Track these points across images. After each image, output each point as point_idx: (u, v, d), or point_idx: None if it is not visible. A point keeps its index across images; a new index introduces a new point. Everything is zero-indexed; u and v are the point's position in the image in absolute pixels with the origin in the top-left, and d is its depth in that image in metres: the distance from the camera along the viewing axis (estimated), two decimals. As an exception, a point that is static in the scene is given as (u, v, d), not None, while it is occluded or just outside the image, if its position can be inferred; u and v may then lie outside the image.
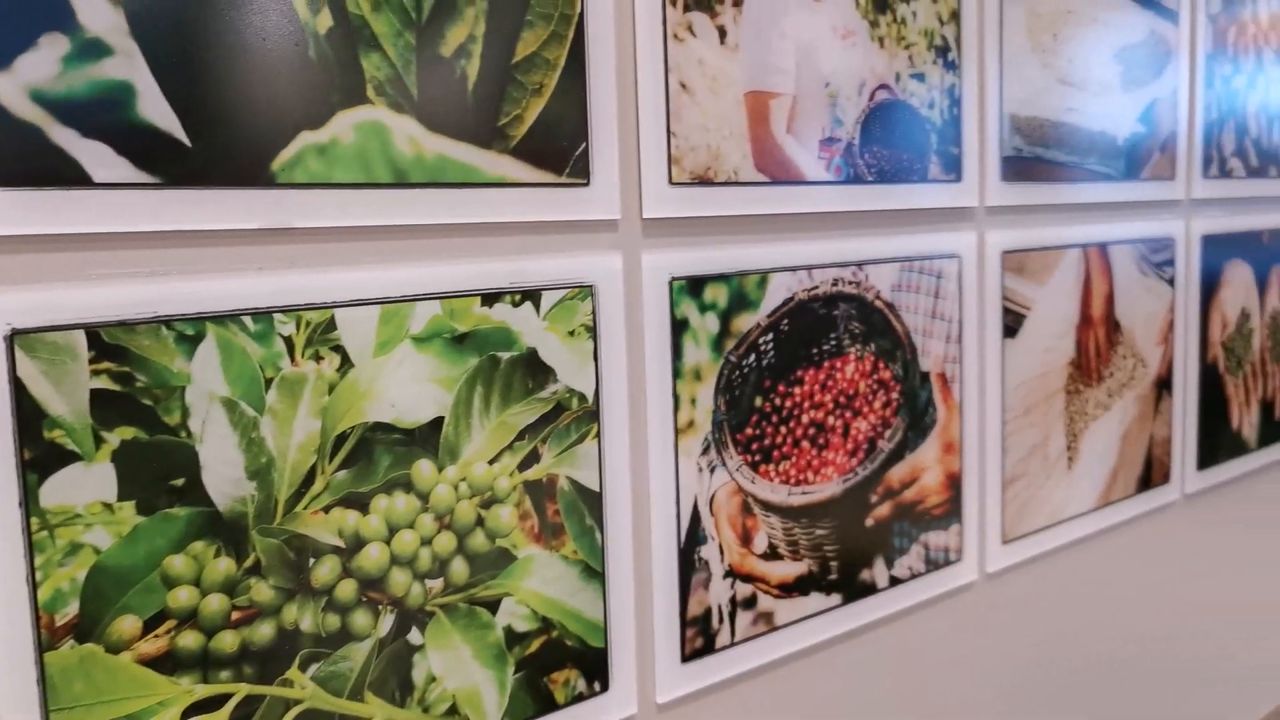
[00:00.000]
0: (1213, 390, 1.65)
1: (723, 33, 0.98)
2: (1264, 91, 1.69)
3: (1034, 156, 1.31)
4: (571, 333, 0.90)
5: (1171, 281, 1.55)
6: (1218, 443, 1.68)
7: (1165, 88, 1.50)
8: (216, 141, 0.71)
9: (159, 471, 0.70)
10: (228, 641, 0.73)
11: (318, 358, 0.76)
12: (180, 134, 0.69)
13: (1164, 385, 1.56)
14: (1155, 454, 1.56)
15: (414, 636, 0.82)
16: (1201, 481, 1.65)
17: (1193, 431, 1.62)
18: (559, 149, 0.88)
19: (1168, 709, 1.64)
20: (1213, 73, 1.58)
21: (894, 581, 1.19)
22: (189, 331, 0.71)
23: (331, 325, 0.77)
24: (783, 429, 1.06)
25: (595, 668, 0.94)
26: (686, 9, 0.96)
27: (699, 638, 1.02)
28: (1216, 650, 1.74)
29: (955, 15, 1.19)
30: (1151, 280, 1.52)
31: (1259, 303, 1.74)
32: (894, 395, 1.17)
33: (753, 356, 1.04)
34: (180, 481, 0.71)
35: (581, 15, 0.89)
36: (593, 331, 0.91)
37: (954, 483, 1.24)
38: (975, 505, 1.28)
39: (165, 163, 0.69)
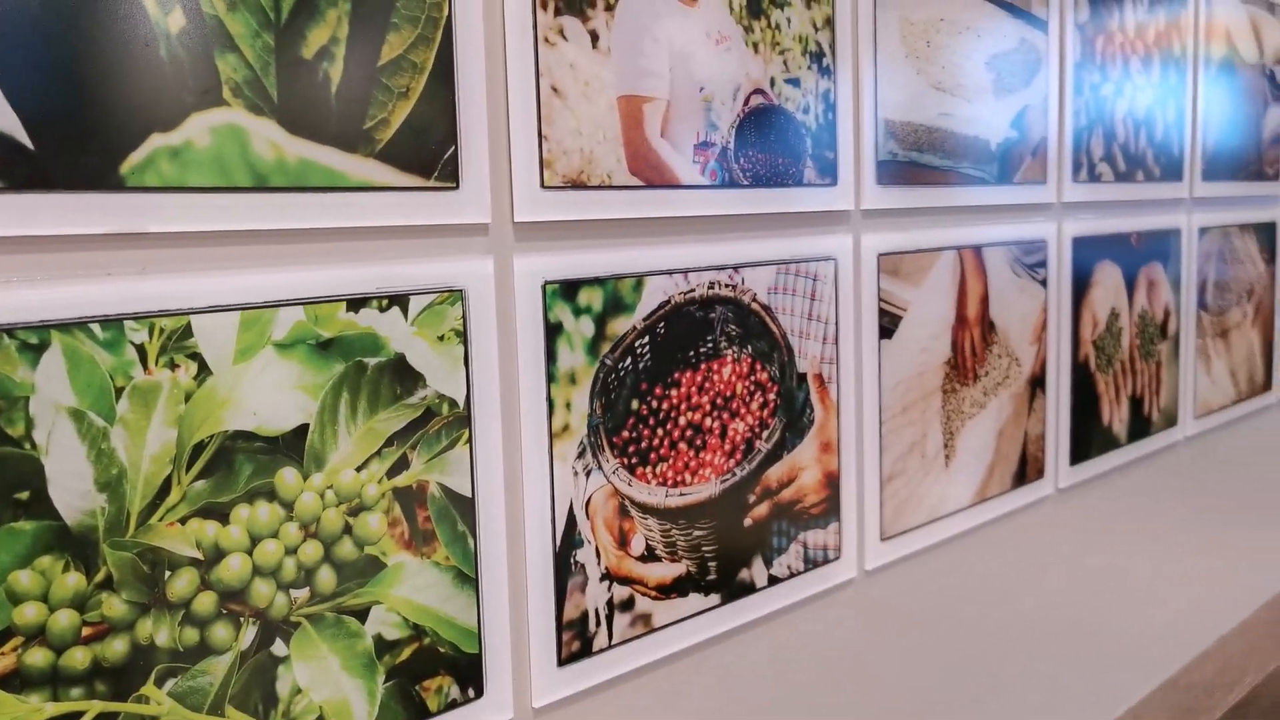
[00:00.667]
0: (1084, 388, 1.71)
1: (595, 37, 0.99)
2: (1130, 98, 1.75)
3: (909, 161, 1.34)
4: (441, 338, 0.89)
5: (1044, 282, 1.60)
6: (1089, 438, 1.73)
7: (1036, 94, 1.54)
8: (61, 144, 0.69)
9: (2, 485, 0.68)
10: (78, 658, 0.71)
11: (173, 365, 0.74)
12: (22, 136, 0.67)
13: (1038, 383, 1.61)
14: (1030, 450, 1.60)
15: (278, 648, 0.81)
16: (1074, 476, 1.71)
17: (1065, 428, 1.67)
18: (427, 152, 0.87)
19: (1045, 696, 1.70)
20: (1081, 80, 1.63)
21: (773, 580, 1.20)
22: (33, 340, 0.69)
23: (188, 332, 0.75)
24: (659, 431, 1.07)
25: (469, 674, 0.93)
26: (558, 13, 0.96)
27: (576, 641, 1.02)
28: (1091, 638, 1.80)
29: (830, 22, 1.21)
30: (1025, 281, 1.56)
31: (1128, 302, 1.80)
32: (771, 396, 1.18)
33: (629, 360, 1.04)
34: (25, 495, 0.69)
35: (449, 18, 0.88)
36: (463, 336, 0.91)
37: (832, 482, 1.26)
38: (853, 503, 1.30)
39: (6, 166, 0.67)
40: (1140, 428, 1.87)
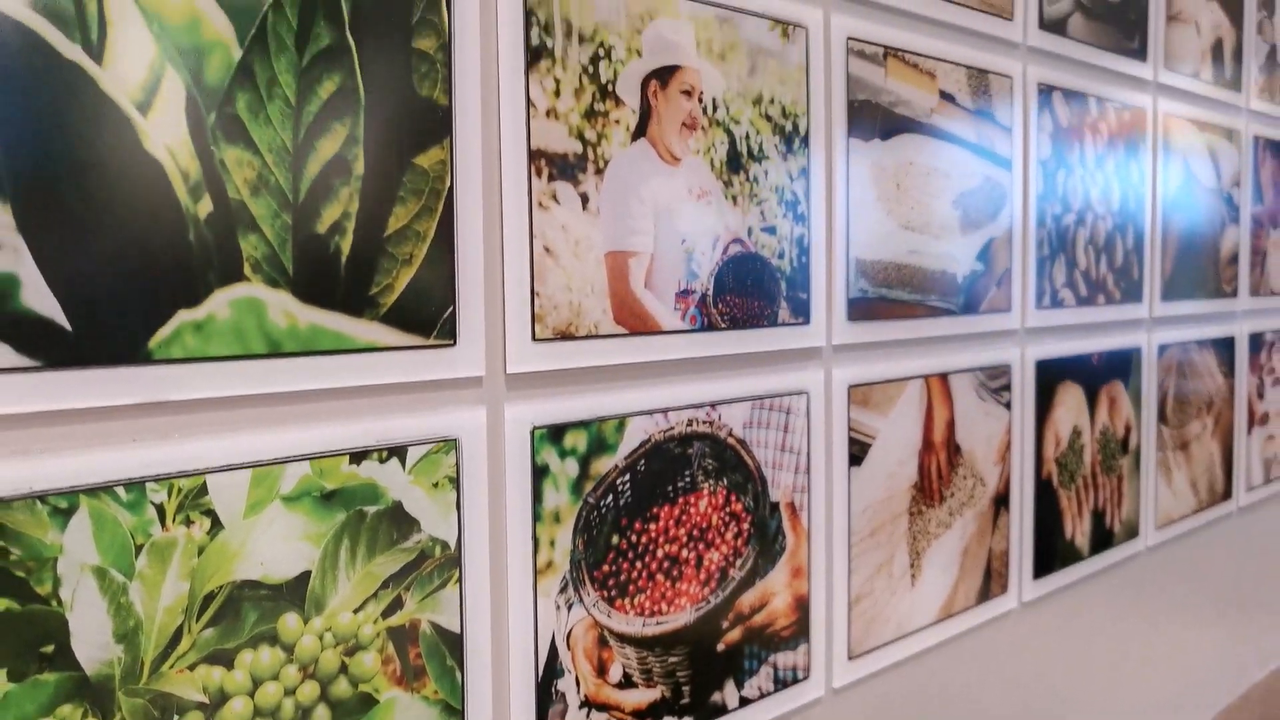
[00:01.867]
0: (1047, 504, 1.78)
1: (585, 199, 1.06)
2: (1091, 226, 1.85)
3: (879, 296, 1.42)
4: (436, 484, 0.96)
5: (1009, 405, 1.68)
6: (1052, 552, 1.80)
7: (1001, 228, 1.63)
8: (96, 324, 0.75)
9: (30, 640, 0.73)
10: (90, 800, 0.76)
11: (188, 522, 0.80)
12: (61, 319, 0.74)
13: (1002, 501, 1.67)
14: (994, 566, 1.67)
15: (275, 784, 0.86)
16: (1038, 589, 1.77)
17: (1029, 543, 1.74)
18: (428, 314, 0.94)
19: (1008, 806, 1.74)
20: (1044, 212, 1.72)
21: (744, 702, 1.26)
22: (63, 505, 0.75)
23: (203, 490, 0.81)
24: (638, 564, 1.13)
25: (453, 803, 0.98)
26: (551, 179, 1.03)
27: (555, 767, 1.07)
28: (1054, 747, 1.85)
29: (804, 171, 1.30)
30: (990, 404, 1.64)
31: (1090, 420, 1.88)
32: (745, 526, 1.24)
33: (610, 497, 1.10)
34: (50, 648, 0.74)
35: (451, 188, 0.95)
36: (456, 482, 0.97)
37: (802, 605, 1.32)
38: (822, 625, 1.36)
39: (46, 346, 0.73)
40: (1103, 540, 1.94)
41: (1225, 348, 2.33)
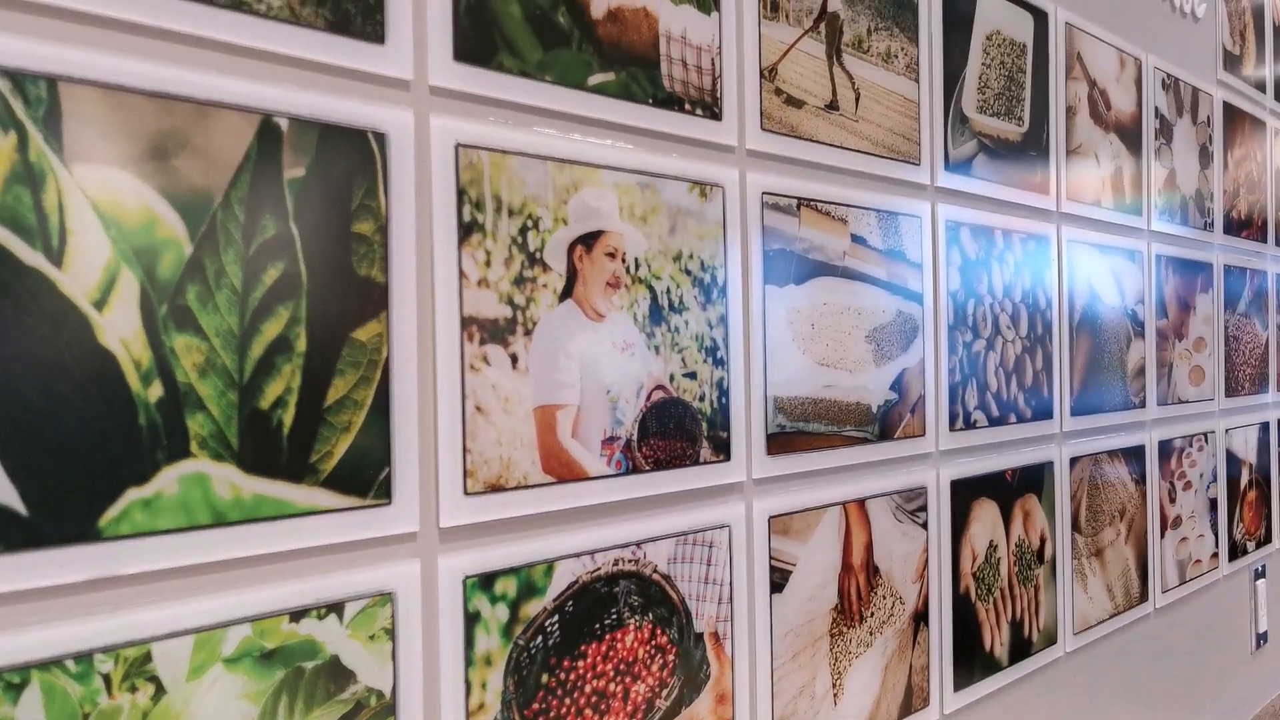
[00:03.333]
0: (966, 617, 1.86)
1: (515, 359, 1.14)
2: (1001, 351, 1.96)
3: (796, 430, 1.51)
4: (372, 636, 1.01)
5: (925, 524, 1.76)
6: (972, 664, 1.87)
7: (914, 358, 1.73)
8: (50, 507, 0.81)
9: (-21, 811, 0.77)
10: None
11: (133, 689, 0.85)
12: (18, 504, 0.80)
13: (921, 618, 1.75)
14: (915, 681, 1.74)
15: None
16: (959, 701, 1.84)
17: (948, 657, 1.81)
18: (365, 476, 1.01)
19: None
20: (955, 340, 1.83)
21: (671, 829, 1.31)
22: (15, 680, 0.80)
23: (148, 658, 0.87)
24: (567, 700, 1.19)
25: None
26: (482, 342, 1.11)
27: None
28: None
29: (723, 319, 1.39)
30: (907, 525, 1.72)
31: (1005, 533, 1.97)
32: (670, 657, 1.31)
33: (540, 638, 1.16)
34: (-2, 818, 0.78)
35: (388, 359, 1.03)
36: (392, 634, 1.03)
37: (727, 731, 1.38)
38: (747, 748, 1.42)
39: (2, 531, 0.79)
40: (1021, 649, 2.02)
41: (1136, 456, 2.44)
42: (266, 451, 0.93)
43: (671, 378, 1.32)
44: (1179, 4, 2.66)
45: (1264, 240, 3.15)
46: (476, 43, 1.11)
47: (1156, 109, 2.54)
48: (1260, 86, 3.13)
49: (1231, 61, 2.94)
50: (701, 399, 1.36)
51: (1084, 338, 2.23)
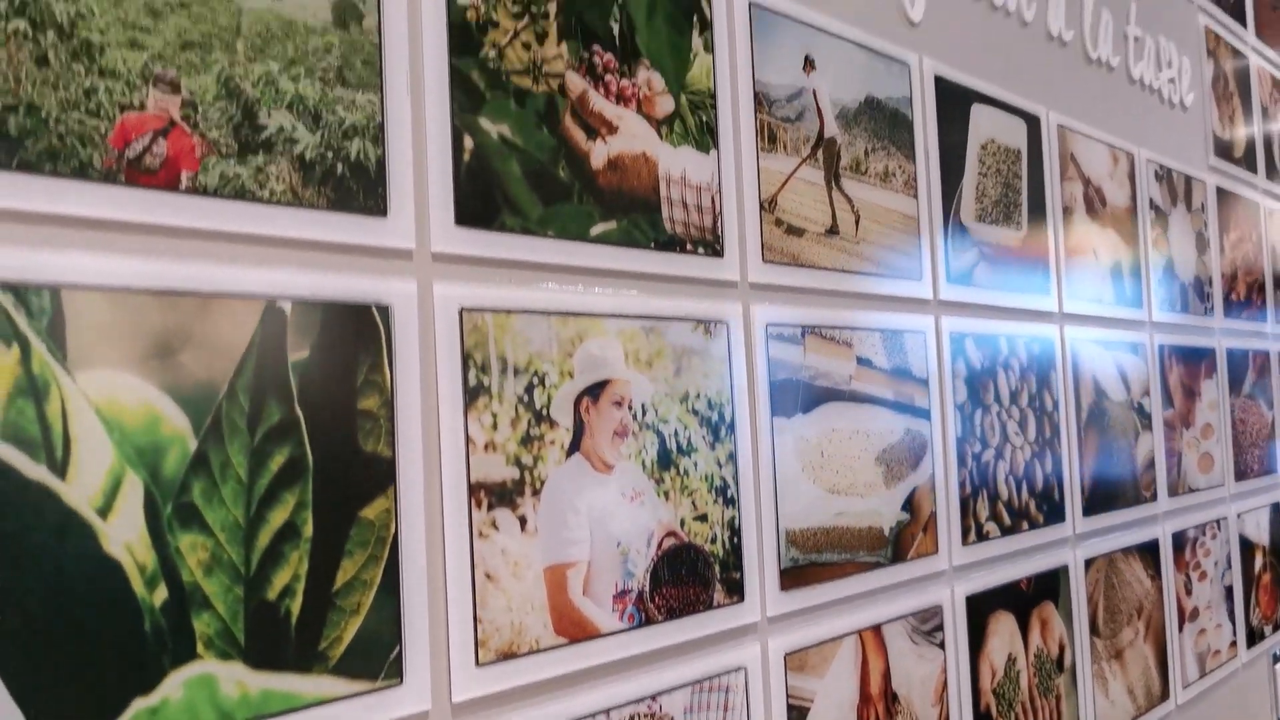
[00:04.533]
0: (987, 736, 1.82)
1: (523, 521, 1.12)
2: (1010, 459, 1.94)
3: (809, 562, 1.48)
4: (385, 825, 0.98)
5: (942, 644, 1.73)
6: (996, 784, 1.83)
7: (923, 475, 1.72)
8: (55, 726, 0.79)
9: None
10: None
11: None
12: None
13: (942, 741, 1.71)
14: (939, 808, 1.69)
15: None
16: (984, 823, 1.79)
17: (972, 780, 1.77)
18: (375, 658, 0.98)
19: None
20: (964, 452, 1.82)
21: None
22: None
23: None
24: None
25: None
26: (490, 508, 1.09)
27: None
28: None
29: (732, 456, 1.37)
30: (924, 647, 1.69)
31: (1023, 645, 1.94)
32: (690, 812, 1.27)
33: (556, 807, 1.13)
34: None
35: (396, 534, 1.01)
36: (405, 820, 1.00)
37: None
38: None
39: (5, 758, 0.76)
40: (1045, 762, 1.97)
41: (1150, 551, 2.41)
42: (274, 644, 0.91)
43: (682, 522, 1.30)
44: (1167, 95, 2.69)
45: (1263, 320, 3.15)
46: (478, 205, 1.11)
47: (1151, 200, 2.56)
48: (1252, 168, 3.15)
49: (1222, 147, 2.96)
50: (713, 541, 1.34)
51: (1092, 436, 2.22)
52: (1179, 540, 2.55)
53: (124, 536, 0.83)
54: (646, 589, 1.24)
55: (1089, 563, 2.17)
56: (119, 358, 0.84)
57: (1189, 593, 2.58)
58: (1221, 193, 2.93)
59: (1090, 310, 2.26)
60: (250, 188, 0.92)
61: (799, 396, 1.50)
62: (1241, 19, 3.20)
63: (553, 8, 1.20)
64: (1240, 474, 2.91)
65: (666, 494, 1.28)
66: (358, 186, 1.01)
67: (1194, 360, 2.71)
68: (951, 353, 1.81)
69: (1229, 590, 2.80)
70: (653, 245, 1.29)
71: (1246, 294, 3.04)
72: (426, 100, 1.07)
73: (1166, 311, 2.59)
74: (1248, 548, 2.93)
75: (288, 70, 0.96)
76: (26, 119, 0.79)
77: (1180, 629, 2.52)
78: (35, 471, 0.79)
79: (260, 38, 0.94)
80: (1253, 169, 3.16)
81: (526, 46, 1.17)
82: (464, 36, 1.11)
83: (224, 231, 0.91)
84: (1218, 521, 2.75)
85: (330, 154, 0.98)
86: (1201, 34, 2.91)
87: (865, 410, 1.61)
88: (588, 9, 1.24)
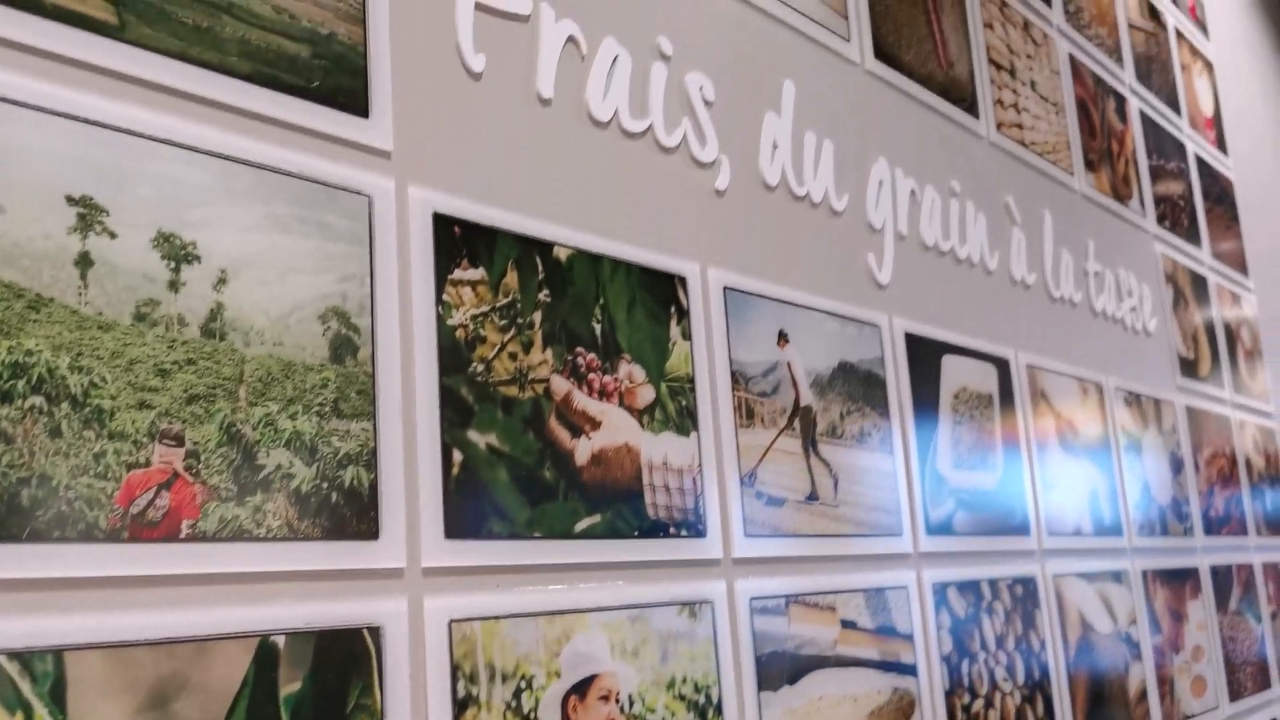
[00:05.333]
0: None
1: (512, 833, 1.12)
2: (1000, 706, 1.94)
3: (802, 840, 1.47)
4: None
5: None
6: None
7: (913, 734, 1.71)
8: None
9: None
10: None
11: None
12: None
13: None
14: None
15: None
16: None
17: None
18: None
19: None
20: (953, 706, 1.81)
21: None
22: None
23: None
24: None
25: None
26: (479, 822, 1.09)
27: None
28: None
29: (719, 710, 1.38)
30: None
31: None
32: None
33: None
34: None
35: None
36: None
37: None
38: None
39: None
40: None
41: (1149, 786, 2.38)
42: None
43: (671, 814, 1.29)
44: (1130, 323, 2.79)
45: (1245, 534, 3.18)
46: (467, 516, 1.15)
47: (1123, 427, 2.62)
48: (1219, 384, 3.25)
49: (1188, 367, 3.06)
50: (703, 829, 1.33)
51: (1082, 674, 2.21)
52: (1178, 771, 2.51)
53: None
54: None
55: (1087, 806, 2.13)
56: (116, 714, 0.86)
57: (1193, 827, 2.52)
58: (1192, 411, 3.01)
59: (1070, 544, 2.29)
60: (248, 527, 0.96)
61: (785, 668, 1.51)
62: (1196, 240, 3.35)
63: (537, 317, 1.27)
64: (1234, 694, 2.89)
65: (655, 786, 1.28)
66: (351, 513, 1.05)
67: (1178, 581, 2.73)
68: (935, 604, 1.83)
69: (1234, 819, 2.74)
70: (636, 534, 1.33)
71: (1225, 509, 3.09)
72: (418, 421, 1.12)
73: (1146, 536, 2.62)
74: (1249, 771, 2.88)
75: (286, 409, 1.01)
76: (39, 490, 0.84)
77: None
78: (28, 841, 0.80)
79: (261, 382, 1.00)
80: (1220, 385, 3.26)
81: (513, 356, 1.23)
82: (453, 355, 1.17)
83: (222, 574, 0.94)
84: (1216, 747, 2.72)
85: (325, 484, 1.03)
86: (1158, 261, 3.05)
87: (851, 674, 1.62)
88: (570, 314, 1.31)
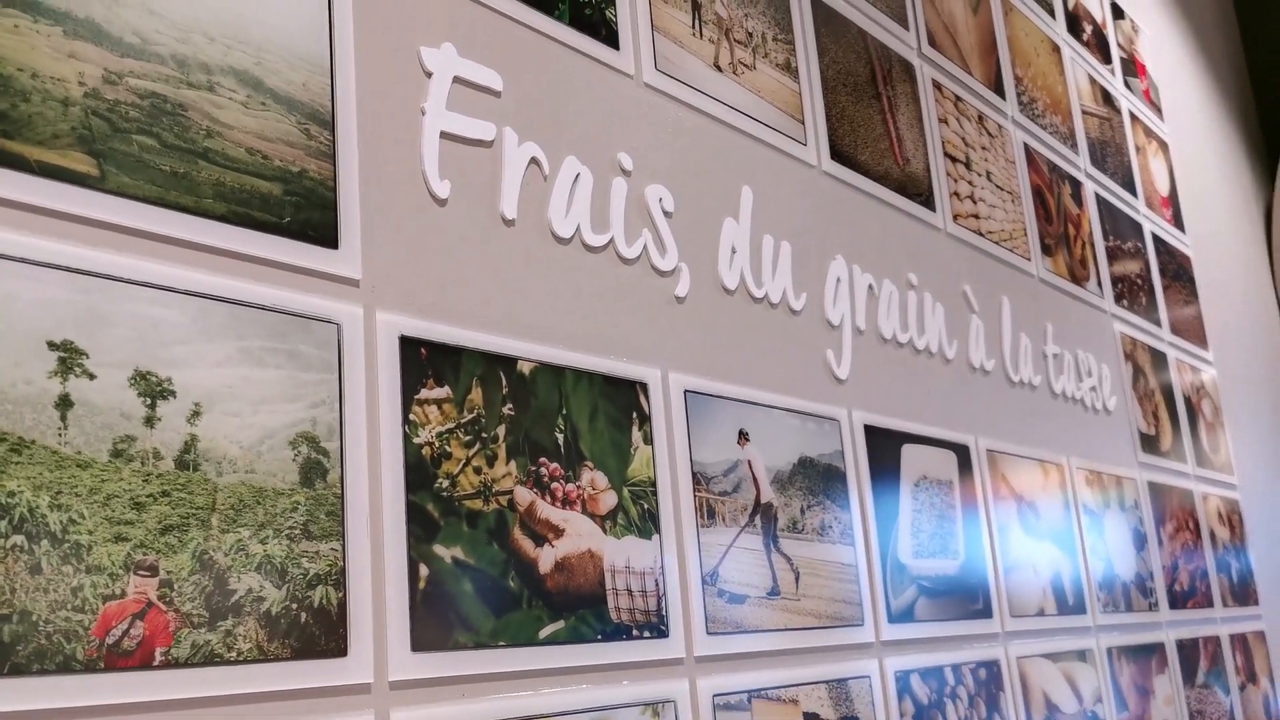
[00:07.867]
0: None
1: None
2: (966, 792, 1.97)
3: None
4: None
5: None
6: None
7: (878, 823, 1.74)
8: None
9: None
10: None
11: None
12: None
13: None
14: None
15: None
16: None
17: None
18: None
19: None
20: (918, 793, 1.85)
21: None
22: None
23: None
24: None
25: None
26: None
27: None
28: None
29: (684, 836, 1.41)
30: None
31: None
32: None
33: None
34: None
35: None
36: None
37: None
38: None
39: None
40: None
41: None
42: None
43: None
44: (1090, 403, 2.87)
45: (1210, 605, 3.23)
46: (433, 629, 1.19)
47: (1084, 505, 2.68)
48: (1181, 458, 3.32)
49: (1149, 442, 3.13)
50: None
51: (1047, 754, 2.25)
52: None
53: None
54: None
55: None
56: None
57: None
58: (1154, 486, 3.08)
59: (1034, 625, 2.34)
60: (219, 652, 1.00)
61: (748, 763, 1.55)
62: (1155, 316, 3.43)
63: (501, 430, 1.32)
64: (1205, 768, 2.92)
65: None
66: (320, 631, 1.09)
67: (1144, 657, 2.77)
68: (897, 692, 1.87)
69: None
70: (600, 638, 1.37)
71: (1190, 582, 3.14)
72: (386, 539, 1.17)
73: (1111, 612, 2.67)
74: (1221, 845, 2.90)
75: (258, 534, 1.06)
76: (19, 625, 0.88)
77: None
78: None
79: (234, 509, 1.04)
80: (1182, 458, 3.33)
81: (478, 470, 1.29)
82: (419, 472, 1.22)
83: (194, 698, 0.98)
84: (1186, 822, 2.74)
85: (295, 605, 1.07)
86: (1117, 339, 3.13)
87: (816, 767, 1.65)
88: (534, 426, 1.36)
